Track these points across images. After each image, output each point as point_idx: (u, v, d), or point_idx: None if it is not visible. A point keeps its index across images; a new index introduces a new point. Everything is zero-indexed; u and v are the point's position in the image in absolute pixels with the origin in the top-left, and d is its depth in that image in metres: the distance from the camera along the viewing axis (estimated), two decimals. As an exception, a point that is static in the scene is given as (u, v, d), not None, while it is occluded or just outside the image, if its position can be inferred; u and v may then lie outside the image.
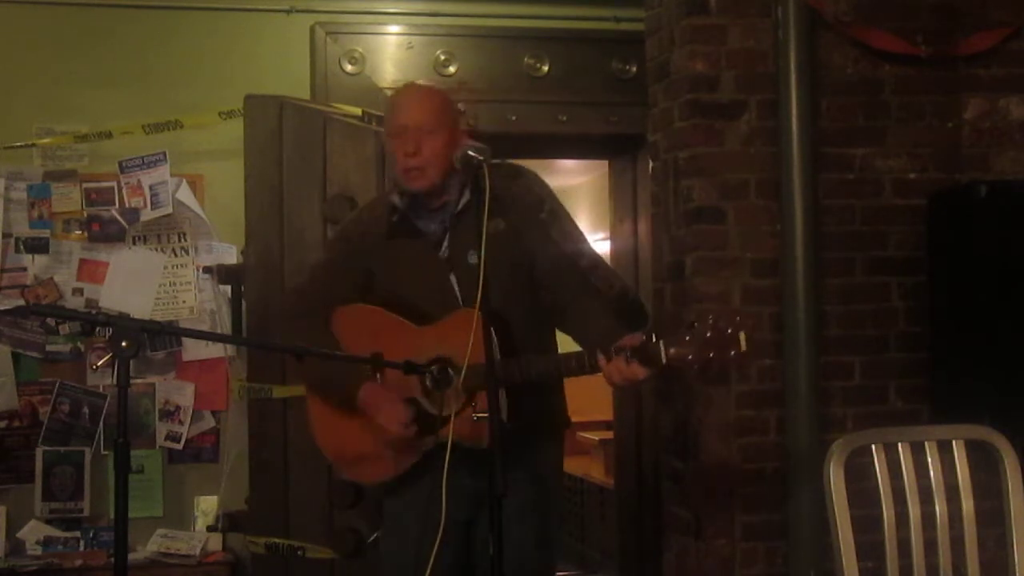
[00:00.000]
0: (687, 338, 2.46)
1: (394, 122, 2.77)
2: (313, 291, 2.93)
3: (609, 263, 5.02)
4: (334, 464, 2.91)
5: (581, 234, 2.90)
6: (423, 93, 2.87)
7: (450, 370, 2.58)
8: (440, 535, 2.51)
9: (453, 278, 2.75)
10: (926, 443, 2.62)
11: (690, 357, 2.45)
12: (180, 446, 4.47)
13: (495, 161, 2.76)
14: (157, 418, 4.46)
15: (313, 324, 2.84)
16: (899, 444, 2.60)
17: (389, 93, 4.56)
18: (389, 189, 2.90)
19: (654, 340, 2.49)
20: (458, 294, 2.73)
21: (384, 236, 2.82)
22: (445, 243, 2.77)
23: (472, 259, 2.61)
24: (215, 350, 4.46)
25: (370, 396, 2.71)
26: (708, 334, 2.44)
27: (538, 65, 4.78)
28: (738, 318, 2.45)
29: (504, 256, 2.70)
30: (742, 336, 2.42)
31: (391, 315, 2.77)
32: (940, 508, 2.59)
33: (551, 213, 2.83)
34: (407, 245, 2.80)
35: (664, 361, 2.47)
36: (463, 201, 2.76)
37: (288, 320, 2.98)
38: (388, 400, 2.69)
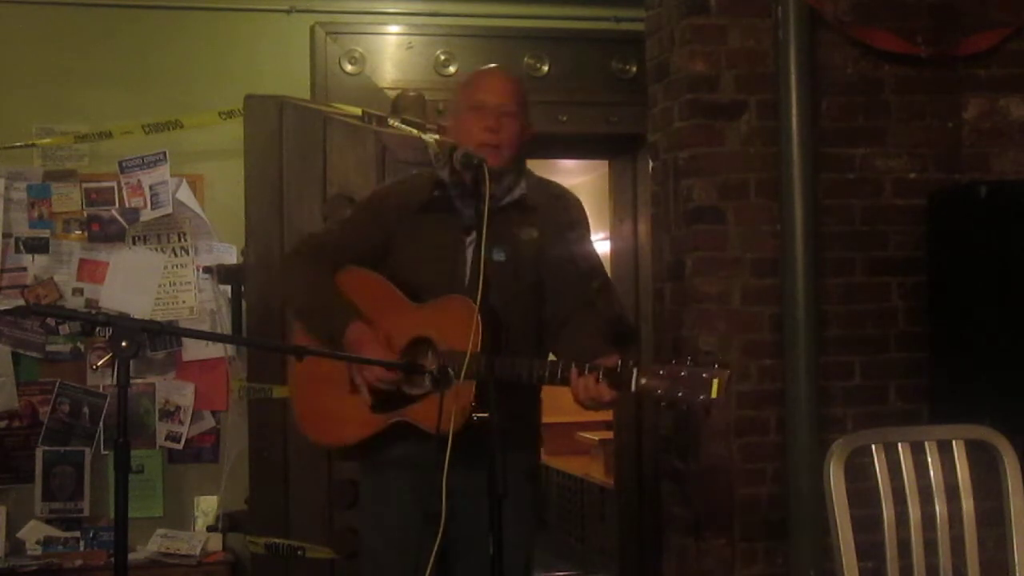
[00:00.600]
0: (661, 372, 2.48)
1: (474, 97, 2.79)
2: (330, 242, 2.93)
3: (609, 266, 5.04)
4: (300, 422, 2.90)
5: (599, 259, 2.96)
6: (507, 76, 2.91)
7: (450, 371, 2.58)
8: (440, 536, 2.51)
9: (469, 265, 2.75)
10: (926, 443, 2.62)
11: (659, 391, 2.47)
12: (180, 446, 4.47)
13: (546, 179, 2.94)
14: (157, 418, 4.46)
15: (318, 276, 2.83)
16: (899, 444, 2.60)
17: (389, 93, 4.58)
18: (438, 165, 2.91)
19: (629, 366, 2.51)
20: (466, 281, 2.74)
21: (419, 208, 2.83)
22: (475, 231, 2.77)
23: (496, 255, 2.63)
24: (215, 350, 4.46)
25: (357, 333, 2.71)
26: (683, 373, 2.46)
27: (538, 65, 4.78)
28: (716, 365, 2.46)
29: (527, 262, 2.77)
30: (715, 383, 2.43)
31: (390, 286, 2.79)
32: (940, 508, 2.59)
33: (580, 236, 2.90)
34: (438, 220, 2.81)
35: (633, 389, 2.49)
36: (508, 198, 2.77)
37: (294, 266, 2.95)
38: (375, 339, 2.69)
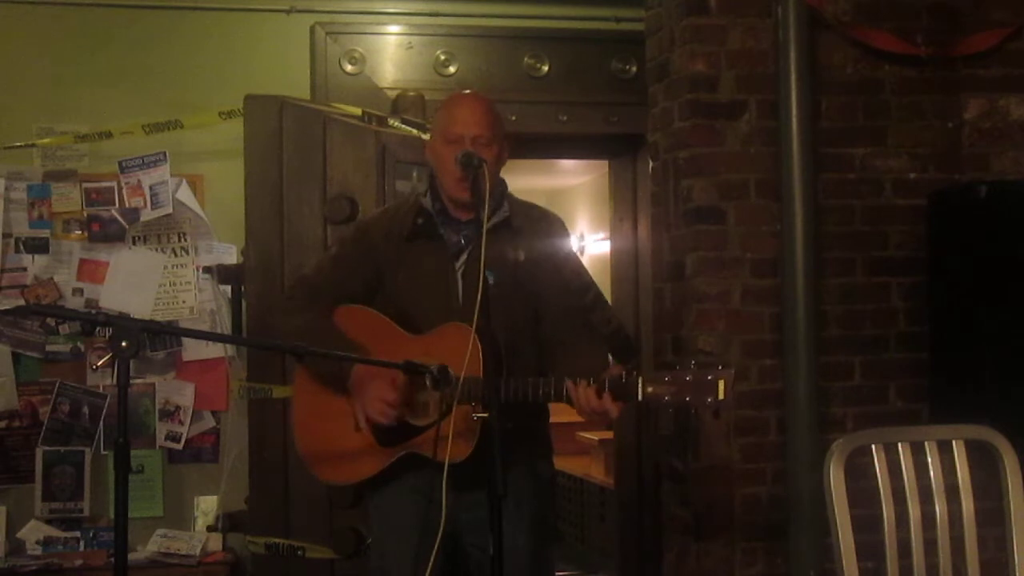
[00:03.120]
0: (667, 378, 2.52)
1: (452, 130, 2.78)
2: (321, 282, 2.93)
3: (609, 266, 5.01)
4: (307, 462, 2.90)
5: (589, 277, 3.00)
6: (483, 105, 2.87)
7: (450, 370, 2.58)
8: (439, 537, 2.52)
9: (461, 289, 2.76)
10: (926, 443, 2.62)
11: (667, 398, 2.51)
12: (180, 446, 4.47)
13: (527, 202, 2.93)
14: (157, 418, 4.46)
15: (315, 317, 2.84)
16: (899, 444, 2.60)
17: (389, 93, 4.58)
18: (420, 192, 2.91)
19: (634, 375, 2.52)
20: (460, 306, 2.74)
21: (404, 238, 2.83)
22: (464, 256, 2.78)
23: (488, 277, 2.63)
24: (215, 350, 4.46)
25: (360, 375, 2.72)
26: (688, 378, 2.49)
27: (538, 65, 4.78)
28: (720, 367, 2.50)
29: (518, 284, 2.78)
30: (721, 384, 2.46)
31: (385, 320, 2.80)
32: (940, 508, 2.59)
33: (567, 256, 2.93)
34: (425, 249, 2.82)
35: (640, 398, 2.51)
36: (494, 219, 2.77)
37: (291, 310, 2.95)
38: (378, 377, 2.70)
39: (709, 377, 2.46)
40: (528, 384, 2.62)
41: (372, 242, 2.89)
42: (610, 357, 2.84)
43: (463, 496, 2.62)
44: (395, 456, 2.71)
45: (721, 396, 2.46)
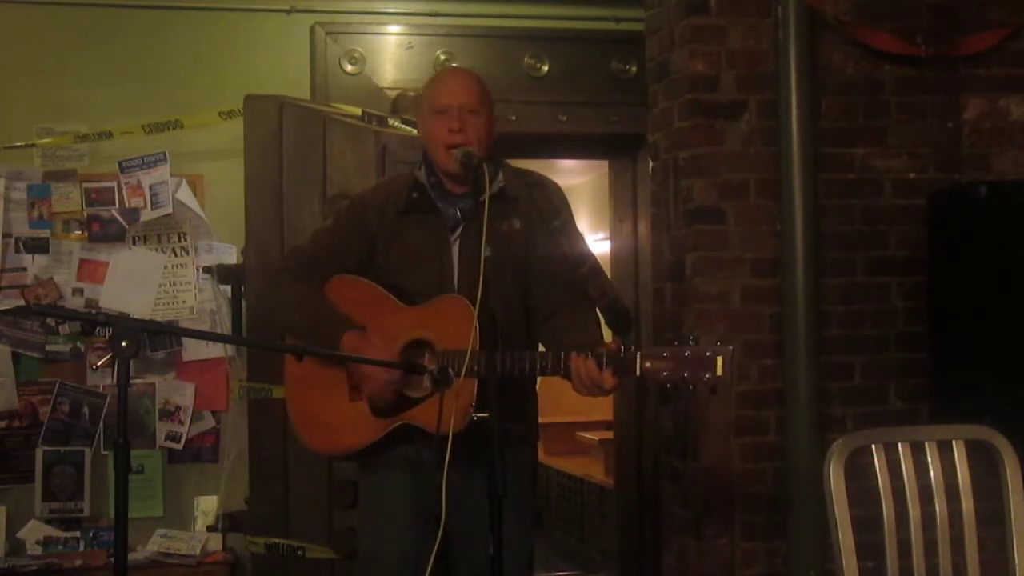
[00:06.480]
0: (665, 354, 2.49)
1: (438, 100, 2.78)
2: (314, 254, 2.91)
3: (609, 266, 4.99)
4: (300, 432, 2.90)
5: (587, 245, 2.92)
6: (470, 76, 2.89)
7: (450, 370, 2.58)
8: (439, 536, 2.51)
9: (456, 264, 2.75)
10: (926, 443, 2.62)
11: (664, 373, 2.49)
12: (180, 446, 4.47)
13: (522, 168, 2.90)
14: (157, 418, 4.46)
15: (308, 290, 2.83)
16: (899, 444, 2.60)
17: (389, 93, 4.58)
18: (415, 166, 2.91)
19: (632, 350, 2.51)
20: (455, 280, 2.74)
21: (399, 211, 2.83)
22: (460, 229, 2.77)
23: (484, 251, 2.62)
24: (215, 350, 4.46)
25: (351, 344, 2.71)
26: (686, 353, 2.47)
27: (538, 65, 4.78)
28: (719, 342, 2.47)
29: (512, 254, 2.76)
30: (719, 361, 2.44)
31: (380, 290, 2.79)
32: (940, 508, 2.59)
33: (564, 223, 2.85)
34: (420, 222, 2.81)
35: (638, 373, 2.50)
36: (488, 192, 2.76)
37: (284, 282, 2.92)
38: (370, 348, 2.69)
39: (708, 353, 2.45)
40: (526, 358, 2.60)
41: (367, 215, 2.87)
42: (609, 329, 2.81)
43: (454, 473, 2.61)
44: (390, 427, 2.71)
45: (719, 373, 2.44)
